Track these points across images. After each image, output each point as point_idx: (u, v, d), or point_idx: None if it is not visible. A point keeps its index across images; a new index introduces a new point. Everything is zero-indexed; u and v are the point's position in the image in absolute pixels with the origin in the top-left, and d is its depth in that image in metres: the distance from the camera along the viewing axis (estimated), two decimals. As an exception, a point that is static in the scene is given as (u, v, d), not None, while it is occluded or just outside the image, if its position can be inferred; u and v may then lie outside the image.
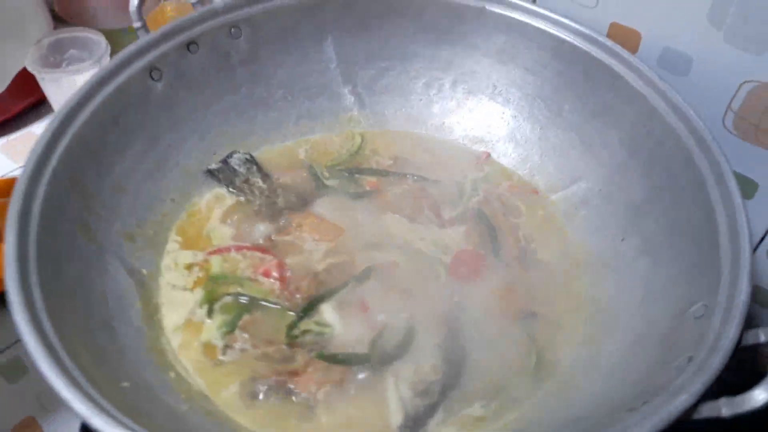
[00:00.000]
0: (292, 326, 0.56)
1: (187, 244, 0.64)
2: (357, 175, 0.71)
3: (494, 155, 0.74)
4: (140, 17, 0.65)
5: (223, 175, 0.70)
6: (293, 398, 0.52)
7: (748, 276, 0.45)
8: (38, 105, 0.91)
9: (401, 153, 0.74)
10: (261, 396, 0.52)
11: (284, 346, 0.55)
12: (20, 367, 0.63)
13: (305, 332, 0.56)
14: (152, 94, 0.65)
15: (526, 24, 0.70)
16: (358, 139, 0.76)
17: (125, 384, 0.46)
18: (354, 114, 0.78)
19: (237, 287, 0.60)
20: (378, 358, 0.54)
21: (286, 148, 0.75)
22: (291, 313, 0.58)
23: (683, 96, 0.59)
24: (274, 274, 0.60)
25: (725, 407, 0.39)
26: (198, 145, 0.70)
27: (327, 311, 0.58)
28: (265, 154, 0.73)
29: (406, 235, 0.65)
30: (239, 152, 0.72)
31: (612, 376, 0.50)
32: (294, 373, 0.53)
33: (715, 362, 0.41)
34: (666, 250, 0.56)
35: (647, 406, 0.40)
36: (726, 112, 0.63)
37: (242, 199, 0.68)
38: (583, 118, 0.69)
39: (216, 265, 0.62)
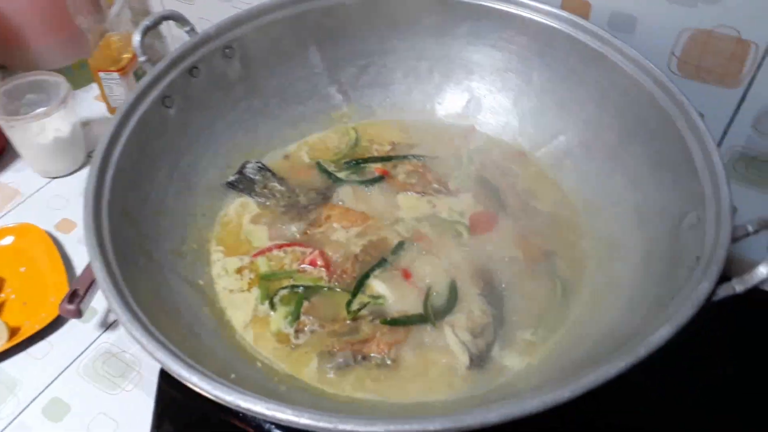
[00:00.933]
0: (349, 303, 0.63)
1: (230, 251, 0.69)
2: (363, 165, 0.78)
3: (478, 127, 0.83)
4: (143, 52, 0.69)
5: (242, 185, 0.75)
6: (370, 361, 0.58)
7: (725, 184, 0.55)
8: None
9: (396, 138, 0.81)
10: (343, 366, 0.58)
11: (348, 321, 0.62)
12: (62, 406, 0.66)
13: (363, 305, 0.62)
14: (168, 121, 0.69)
15: (488, 7, 0.78)
16: (352, 134, 0.82)
17: (233, 376, 0.51)
18: (344, 110, 0.84)
19: (289, 280, 0.65)
20: (433, 315, 0.61)
21: (291, 151, 0.80)
22: (345, 292, 0.64)
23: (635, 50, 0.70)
24: (319, 262, 0.66)
25: (737, 285, 0.49)
26: (213, 161, 0.75)
27: (376, 285, 0.64)
28: (273, 160, 0.79)
29: (423, 208, 0.72)
30: (251, 162, 0.77)
31: (632, 291, 0.59)
32: (364, 341, 0.60)
33: (720, 253, 0.51)
34: (649, 181, 0.66)
35: (674, 300, 0.50)
36: (670, 58, 0.74)
37: (267, 203, 0.73)
38: (552, 83, 0.78)
39: (263, 264, 0.67)
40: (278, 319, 0.62)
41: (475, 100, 0.83)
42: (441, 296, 0.63)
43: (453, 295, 0.63)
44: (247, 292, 0.65)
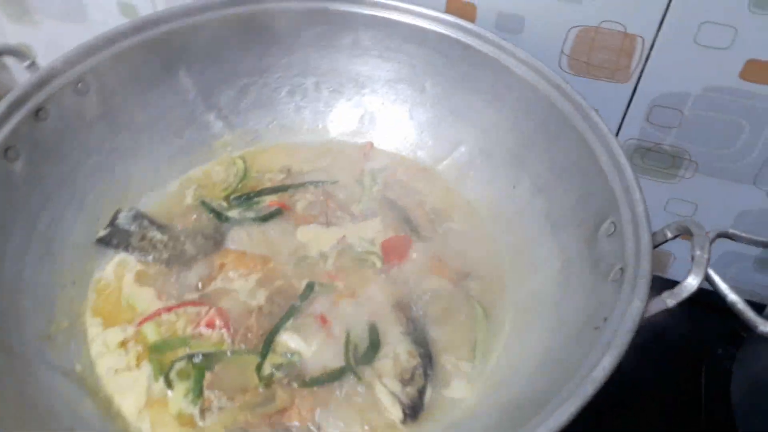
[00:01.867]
0: (259, 367, 0.55)
1: (109, 322, 0.59)
2: (256, 199, 0.70)
3: (376, 144, 0.77)
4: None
5: (116, 239, 0.65)
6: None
7: (636, 185, 0.54)
8: None
9: (289, 164, 0.74)
10: (261, 444, 0.51)
11: (261, 389, 0.54)
12: None
13: (277, 367, 0.55)
14: (14, 176, 0.58)
15: (369, 16, 0.73)
16: (240, 164, 0.74)
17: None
18: (226, 138, 0.76)
19: (184, 349, 0.57)
20: (356, 365, 0.55)
21: (171, 192, 0.71)
22: (252, 354, 0.56)
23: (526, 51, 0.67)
24: (218, 322, 0.58)
25: (669, 299, 0.47)
26: (78, 215, 0.64)
27: (289, 339, 0.58)
28: (151, 205, 0.69)
29: (329, 240, 0.66)
30: (123, 211, 0.67)
31: (558, 308, 0.57)
32: (282, 411, 0.53)
33: (644, 264, 0.49)
34: (556, 185, 0.64)
35: (609, 322, 0.47)
36: (560, 56, 0.72)
37: (149, 257, 0.64)
38: (445, 91, 0.74)
39: (151, 333, 0.58)
40: (178, 399, 0.54)
41: (369, 115, 0.78)
42: (362, 341, 0.57)
43: (375, 339, 0.57)
44: (135, 369, 0.56)
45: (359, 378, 0.54)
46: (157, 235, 0.66)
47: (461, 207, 0.71)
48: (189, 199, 0.70)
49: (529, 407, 0.45)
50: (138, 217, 0.67)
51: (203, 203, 0.69)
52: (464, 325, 0.60)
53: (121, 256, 0.64)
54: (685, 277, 0.46)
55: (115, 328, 0.58)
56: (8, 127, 0.57)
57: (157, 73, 0.70)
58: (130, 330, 0.58)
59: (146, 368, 0.55)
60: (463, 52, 0.71)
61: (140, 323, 0.58)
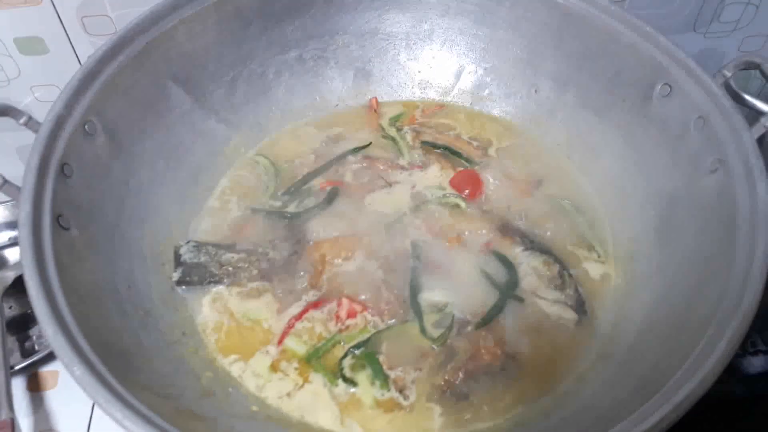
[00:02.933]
0: (423, 330, 0.55)
1: (245, 353, 0.54)
2: (303, 187, 0.66)
3: (380, 98, 0.76)
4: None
5: (194, 275, 0.59)
6: (492, 373, 0.52)
7: (674, 45, 0.59)
8: None
9: (313, 145, 0.71)
10: (467, 393, 0.51)
11: (437, 348, 0.54)
12: None
13: (438, 324, 0.55)
14: (77, 245, 0.50)
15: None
16: (263, 161, 0.69)
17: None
18: (235, 140, 0.71)
19: (340, 346, 0.54)
20: (508, 291, 0.57)
21: (214, 210, 0.65)
22: (408, 323, 0.55)
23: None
24: (356, 307, 0.56)
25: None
26: (144, 267, 0.57)
27: (430, 296, 0.57)
28: (204, 230, 0.63)
29: (401, 198, 0.65)
30: (182, 246, 0.60)
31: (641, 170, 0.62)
32: (472, 357, 0.53)
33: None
34: (580, 75, 0.69)
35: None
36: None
37: (238, 279, 0.59)
38: (432, 25, 0.74)
39: (296, 346, 0.54)
40: (367, 390, 0.52)
41: (361, 72, 0.77)
42: (496, 270, 0.59)
43: (508, 263, 0.59)
44: (307, 384, 0.52)
45: (521, 300, 0.56)
46: (232, 257, 0.60)
47: (494, 126, 0.73)
48: (236, 211, 0.65)
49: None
50: (199, 246, 0.61)
51: (254, 210, 0.64)
52: (565, 224, 0.63)
53: (211, 290, 0.58)
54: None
55: (255, 356, 0.54)
56: (48, 194, 0.49)
57: (148, 91, 0.62)
58: (272, 350, 0.54)
59: (316, 378, 0.52)
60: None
61: (279, 342, 0.54)
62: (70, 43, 0.73)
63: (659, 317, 0.51)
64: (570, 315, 0.55)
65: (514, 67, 0.73)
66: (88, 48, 0.71)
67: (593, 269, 0.59)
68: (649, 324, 0.52)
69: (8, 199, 0.52)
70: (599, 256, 0.60)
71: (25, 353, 0.65)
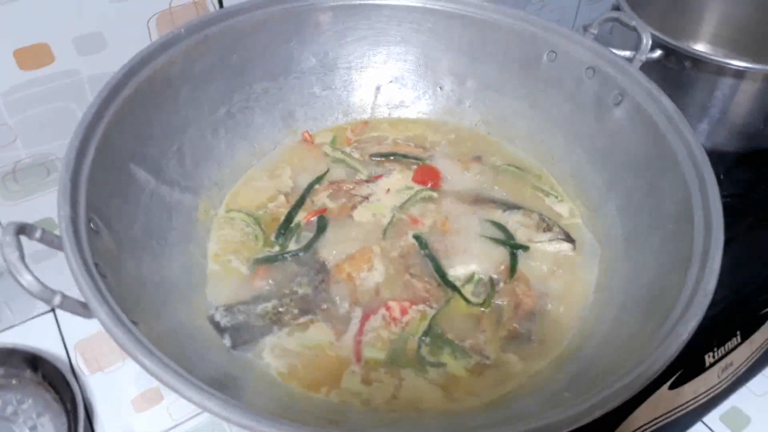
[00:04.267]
0: (468, 301, 0.62)
1: (333, 381, 0.57)
2: (291, 225, 0.69)
3: (311, 130, 0.81)
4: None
5: (244, 335, 0.59)
6: (538, 306, 0.62)
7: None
8: None
9: (275, 187, 0.74)
10: (531, 330, 0.60)
11: (486, 311, 0.62)
12: None
13: (477, 292, 0.63)
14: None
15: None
16: (239, 215, 0.71)
17: None
18: (202, 204, 0.71)
19: (412, 339, 0.59)
20: (514, 244, 0.67)
21: (218, 274, 0.65)
22: (453, 301, 0.62)
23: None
24: (404, 305, 0.62)
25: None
26: (195, 347, 0.56)
27: (456, 271, 0.65)
28: (222, 294, 0.63)
29: (382, 206, 0.72)
30: (213, 312, 0.60)
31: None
32: (518, 305, 0.62)
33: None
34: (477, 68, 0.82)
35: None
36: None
37: (287, 321, 0.60)
38: (312, 64, 0.81)
39: (376, 354, 0.58)
40: (455, 364, 0.58)
41: (287, 113, 0.81)
42: (495, 234, 0.68)
43: (499, 226, 0.69)
44: (404, 381, 0.57)
45: (527, 248, 0.66)
46: (266, 306, 0.61)
47: (416, 126, 0.83)
48: (241, 268, 0.65)
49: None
50: (229, 308, 0.61)
51: (257, 261, 0.66)
52: (517, 182, 0.75)
53: (265, 344, 0.59)
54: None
55: (343, 379, 0.56)
56: (106, 294, 0.47)
57: (119, 178, 0.61)
58: (356, 368, 0.57)
59: (408, 373, 0.57)
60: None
61: (358, 359, 0.58)
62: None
63: (630, 220, 0.65)
64: (566, 246, 0.67)
65: (416, 73, 0.84)
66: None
67: (559, 208, 0.72)
68: (624, 229, 0.65)
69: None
70: (557, 197, 0.73)
71: None
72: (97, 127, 0.58)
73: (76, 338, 0.83)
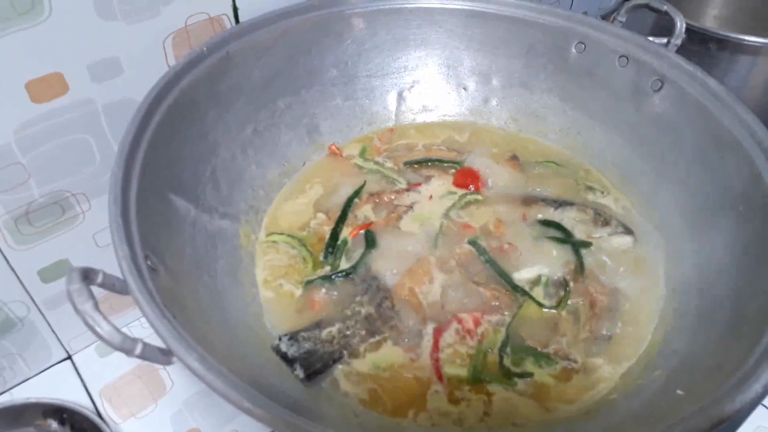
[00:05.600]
0: (542, 306, 0.60)
1: (419, 403, 0.53)
2: (338, 243, 0.66)
3: (337, 143, 0.78)
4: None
5: (315, 365, 0.55)
6: (612, 303, 0.60)
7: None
8: None
9: (318, 203, 0.71)
10: (611, 330, 0.58)
11: (564, 314, 0.59)
12: None
13: (549, 294, 0.61)
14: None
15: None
16: (281, 238, 0.67)
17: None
18: (243, 230, 0.67)
19: (492, 355, 0.57)
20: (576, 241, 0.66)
21: (272, 301, 0.61)
22: (527, 306, 0.60)
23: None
24: (476, 316, 0.59)
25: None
26: (274, 382, 0.52)
27: (522, 276, 0.62)
28: (279, 322, 0.59)
29: (428, 214, 0.69)
30: (280, 345, 0.56)
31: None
32: (594, 302, 0.60)
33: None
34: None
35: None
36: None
37: (351, 345, 0.57)
38: (333, 75, 0.78)
39: (457, 370, 0.55)
40: (542, 373, 0.55)
41: (312, 127, 0.77)
42: (553, 233, 0.66)
43: (554, 225, 0.67)
44: (492, 396, 0.54)
45: (588, 245, 0.64)
46: (330, 331, 0.58)
47: (443, 129, 0.80)
48: (295, 293, 0.62)
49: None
50: (293, 336, 0.57)
51: (310, 283, 0.62)
52: (560, 178, 0.73)
53: (339, 371, 0.55)
54: None
55: (428, 400, 0.53)
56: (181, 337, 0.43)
57: (161, 210, 0.56)
58: (439, 388, 0.54)
59: (496, 389, 0.54)
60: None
61: (439, 377, 0.54)
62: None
63: (689, 205, 0.64)
64: (627, 239, 0.65)
65: (438, 75, 0.81)
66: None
67: (606, 201, 0.70)
68: (684, 214, 0.64)
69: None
70: (602, 191, 0.71)
71: None
72: (136, 157, 0.54)
73: (99, 384, 0.78)
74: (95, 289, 0.44)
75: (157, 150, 0.57)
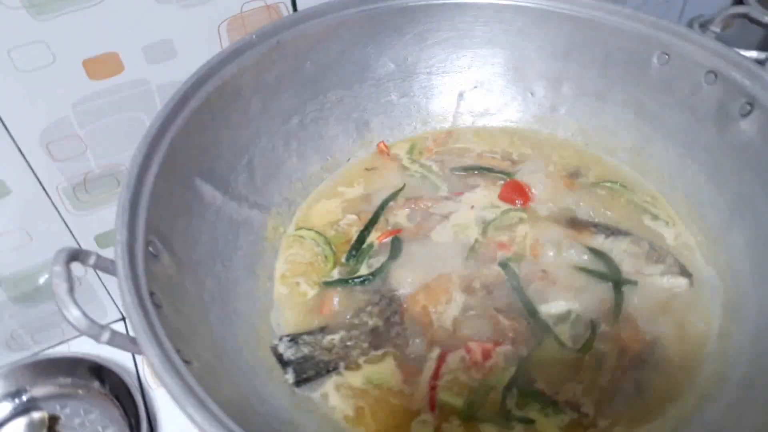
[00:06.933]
0: (562, 344, 0.54)
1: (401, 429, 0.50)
2: (363, 246, 0.64)
3: (386, 140, 0.75)
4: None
5: (308, 371, 0.54)
6: (648, 353, 0.53)
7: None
8: None
9: (348, 204, 0.68)
10: (645, 381, 0.51)
11: (587, 357, 0.53)
12: None
13: (575, 337, 0.55)
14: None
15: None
16: (309, 234, 0.66)
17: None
18: (271, 222, 0.66)
19: (494, 390, 0.52)
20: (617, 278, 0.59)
21: (285, 297, 0.60)
22: (546, 342, 0.54)
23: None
24: (487, 347, 0.54)
25: None
26: (259, 381, 0.51)
27: (549, 309, 0.57)
28: (286, 320, 0.58)
29: (463, 227, 0.64)
30: (278, 345, 0.55)
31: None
32: (624, 348, 0.54)
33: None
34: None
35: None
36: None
37: (351, 357, 0.55)
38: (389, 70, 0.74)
39: (451, 398, 0.51)
40: (545, 422, 0.50)
41: (362, 122, 0.75)
42: (591, 263, 0.59)
43: (600, 255, 0.60)
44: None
45: (635, 283, 0.57)
46: (333, 338, 0.56)
47: (503, 136, 0.75)
48: (309, 292, 0.60)
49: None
50: (294, 339, 0.56)
51: (326, 284, 0.60)
52: (620, 203, 0.66)
53: (330, 382, 0.53)
54: None
55: (412, 428, 0.50)
56: (159, 330, 0.43)
57: (183, 195, 0.57)
58: (427, 418, 0.50)
59: (489, 428, 0.49)
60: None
61: (432, 407, 0.51)
62: (36, 177, 0.66)
63: (763, 253, 0.54)
64: (682, 281, 0.57)
65: (504, 77, 0.76)
66: (56, 178, 0.65)
67: (668, 234, 0.62)
68: (754, 263, 0.55)
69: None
70: (666, 222, 0.63)
71: None
72: (162, 141, 0.54)
73: (146, 350, 0.81)
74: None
75: (189, 135, 0.57)
